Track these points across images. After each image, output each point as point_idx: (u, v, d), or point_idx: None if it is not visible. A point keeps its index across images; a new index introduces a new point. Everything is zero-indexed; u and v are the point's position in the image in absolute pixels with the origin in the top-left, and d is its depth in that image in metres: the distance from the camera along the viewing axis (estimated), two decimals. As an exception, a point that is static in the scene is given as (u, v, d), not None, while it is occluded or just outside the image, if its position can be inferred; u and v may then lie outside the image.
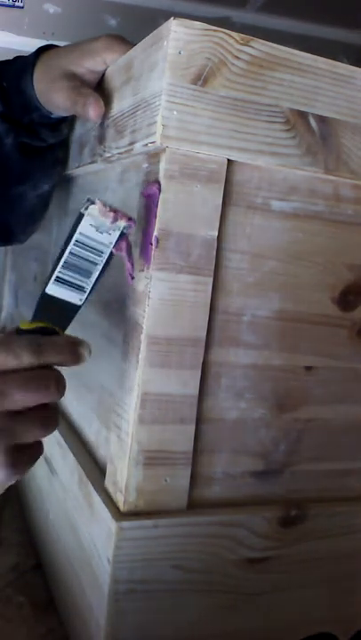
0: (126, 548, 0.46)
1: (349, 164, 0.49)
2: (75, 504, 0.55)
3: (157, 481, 0.47)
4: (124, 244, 0.47)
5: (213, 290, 0.47)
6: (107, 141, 0.53)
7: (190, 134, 0.43)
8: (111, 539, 0.45)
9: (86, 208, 0.44)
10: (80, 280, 0.45)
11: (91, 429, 0.58)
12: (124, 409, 0.47)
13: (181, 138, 0.43)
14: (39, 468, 0.69)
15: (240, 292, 0.49)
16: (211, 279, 0.46)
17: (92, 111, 0.52)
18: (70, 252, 0.44)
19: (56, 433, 0.59)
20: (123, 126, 0.49)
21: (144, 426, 0.46)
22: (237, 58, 0.44)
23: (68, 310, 0.45)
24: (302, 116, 0.47)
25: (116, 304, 0.52)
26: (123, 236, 0.46)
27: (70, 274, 0.44)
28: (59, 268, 0.44)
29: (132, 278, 0.47)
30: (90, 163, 0.58)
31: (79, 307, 0.45)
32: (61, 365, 0.42)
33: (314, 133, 0.47)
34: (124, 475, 0.46)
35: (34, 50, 0.60)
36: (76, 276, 0.44)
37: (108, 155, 0.53)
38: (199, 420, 0.48)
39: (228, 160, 0.46)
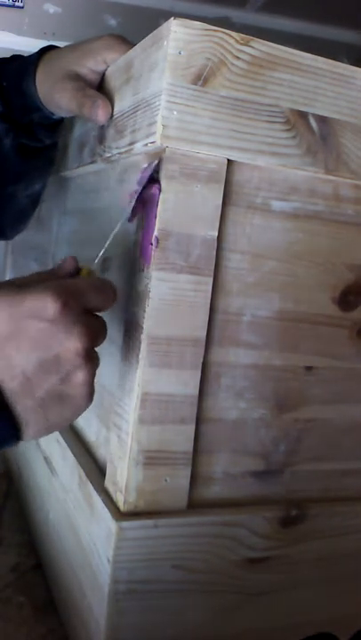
0: (126, 548, 0.46)
1: (349, 164, 0.49)
2: (75, 504, 0.55)
3: (157, 481, 0.47)
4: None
5: (213, 290, 0.47)
6: (107, 141, 0.53)
7: (190, 134, 0.43)
8: (111, 539, 0.45)
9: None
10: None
11: (91, 429, 0.58)
12: (124, 409, 0.47)
13: (181, 138, 0.43)
14: (39, 467, 0.69)
15: (240, 292, 0.49)
16: (211, 279, 0.46)
17: (101, 114, 0.52)
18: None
19: (56, 433, 0.59)
20: (123, 126, 0.49)
21: (144, 426, 0.46)
22: (237, 58, 0.44)
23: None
24: (302, 116, 0.47)
25: (115, 304, 0.52)
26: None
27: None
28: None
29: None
30: (90, 163, 0.58)
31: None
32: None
33: (314, 133, 0.47)
34: (124, 475, 0.46)
35: (34, 50, 0.60)
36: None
37: (108, 155, 0.53)
38: (199, 420, 0.48)
39: (228, 160, 0.46)
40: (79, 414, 0.42)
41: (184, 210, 0.45)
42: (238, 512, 0.50)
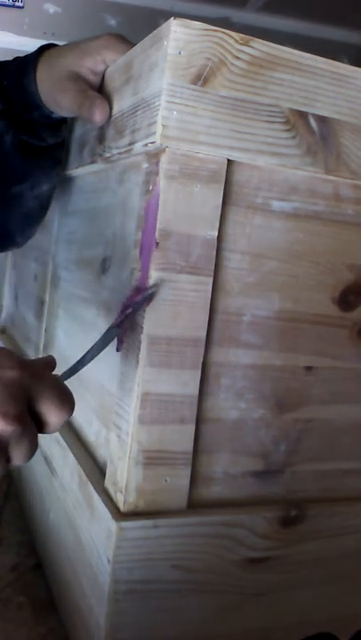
0: (126, 548, 0.46)
1: (349, 164, 0.49)
2: (75, 504, 0.55)
3: (157, 481, 0.47)
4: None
5: (213, 290, 0.47)
6: (107, 141, 0.53)
7: (190, 134, 0.43)
8: (111, 539, 0.45)
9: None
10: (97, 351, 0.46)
11: (91, 429, 0.58)
12: (124, 409, 0.47)
13: (181, 138, 0.43)
14: (39, 467, 0.69)
15: (240, 291, 0.49)
16: (211, 279, 0.46)
17: (98, 115, 0.52)
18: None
19: (56, 433, 0.59)
20: (123, 126, 0.49)
21: (144, 426, 0.46)
22: (237, 58, 0.44)
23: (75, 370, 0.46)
24: (302, 116, 0.47)
25: (116, 304, 0.52)
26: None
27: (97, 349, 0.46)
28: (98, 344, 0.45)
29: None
30: (90, 163, 0.58)
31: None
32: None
33: (314, 133, 0.47)
34: (124, 475, 0.46)
35: (33, 50, 0.60)
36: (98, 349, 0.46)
37: (108, 155, 0.53)
38: (199, 420, 0.48)
39: (228, 160, 0.46)
40: None
41: (184, 210, 0.45)
42: (238, 512, 0.50)
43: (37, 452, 0.63)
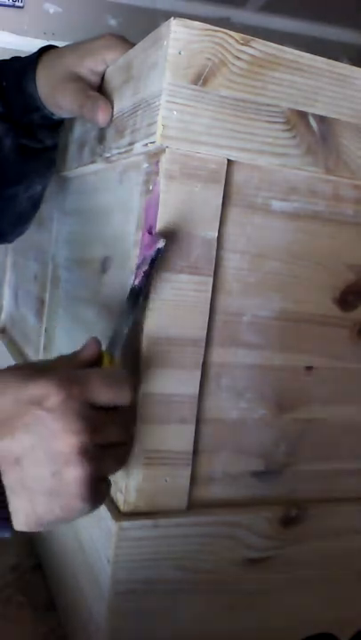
0: (126, 548, 0.46)
1: (349, 164, 0.49)
2: (75, 504, 0.55)
3: (157, 481, 0.47)
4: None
5: (213, 290, 0.47)
6: (107, 141, 0.53)
7: (190, 134, 0.43)
8: (111, 539, 0.45)
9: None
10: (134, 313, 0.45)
11: (91, 429, 0.58)
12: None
13: (181, 138, 0.43)
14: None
15: (240, 291, 0.49)
16: (211, 279, 0.46)
17: (102, 115, 0.52)
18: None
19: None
20: (123, 126, 0.49)
21: (144, 426, 0.46)
22: (238, 58, 0.44)
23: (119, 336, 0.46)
24: (302, 115, 0.47)
25: (116, 304, 0.52)
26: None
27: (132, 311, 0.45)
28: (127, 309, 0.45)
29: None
30: (90, 163, 0.58)
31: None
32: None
33: (314, 133, 0.47)
34: (124, 475, 0.46)
35: (34, 50, 0.60)
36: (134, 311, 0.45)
37: (108, 155, 0.53)
38: (199, 420, 0.48)
39: (228, 160, 0.46)
40: (75, 514, 0.39)
41: (184, 210, 0.45)
42: (238, 512, 0.50)
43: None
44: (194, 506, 0.49)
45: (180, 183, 0.45)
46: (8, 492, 0.38)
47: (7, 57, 0.63)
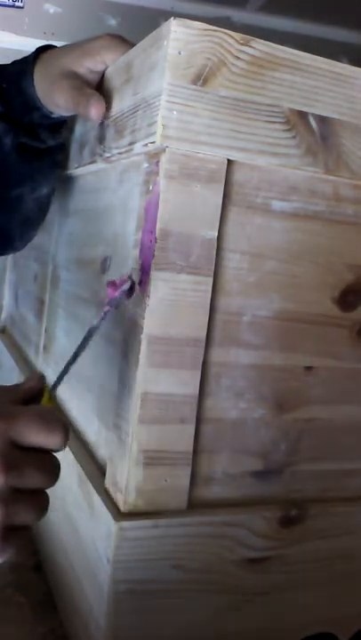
0: (126, 548, 0.46)
1: (349, 164, 0.49)
2: (75, 504, 0.55)
3: (157, 481, 0.47)
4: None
5: (213, 290, 0.47)
6: (107, 141, 0.53)
7: (190, 134, 0.43)
8: (111, 539, 0.45)
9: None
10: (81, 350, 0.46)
11: (91, 429, 0.58)
12: (124, 409, 0.47)
13: (181, 138, 0.43)
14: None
15: (240, 291, 0.49)
16: (211, 279, 0.46)
17: (94, 111, 0.52)
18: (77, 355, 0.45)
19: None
20: (123, 126, 0.49)
21: (144, 426, 0.46)
22: (237, 58, 0.44)
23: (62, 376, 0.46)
24: (302, 115, 0.47)
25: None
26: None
27: (80, 349, 0.46)
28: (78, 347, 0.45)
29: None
30: (90, 163, 0.58)
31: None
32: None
33: (314, 133, 0.47)
34: (124, 475, 0.46)
35: (34, 50, 0.60)
36: (82, 348, 0.46)
37: (108, 155, 0.53)
38: (199, 420, 0.48)
39: (228, 160, 0.46)
40: None
41: (184, 210, 0.45)
42: (238, 512, 0.50)
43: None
44: (194, 506, 0.49)
45: (180, 183, 0.45)
46: None
47: (7, 57, 0.63)
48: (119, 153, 0.50)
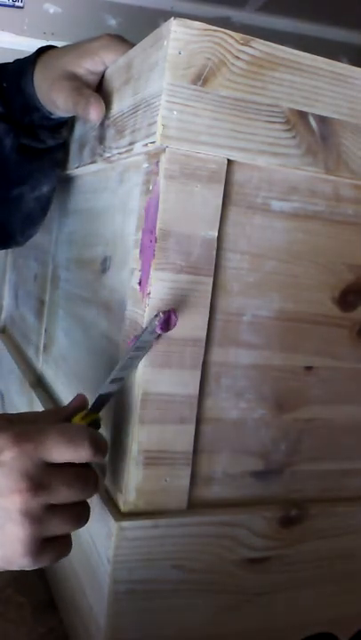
0: (126, 548, 0.46)
1: (349, 164, 0.49)
2: (75, 504, 0.55)
3: (157, 481, 0.47)
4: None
5: (213, 290, 0.47)
6: (107, 141, 0.53)
7: (190, 134, 0.43)
8: (111, 539, 0.45)
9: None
10: (124, 374, 0.46)
11: (91, 429, 0.58)
12: (123, 409, 0.47)
13: (181, 138, 0.43)
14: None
15: (240, 291, 0.49)
16: (211, 279, 0.46)
17: (93, 112, 0.52)
18: (129, 357, 0.44)
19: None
20: (123, 126, 0.49)
21: (144, 426, 0.46)
22: (237, 58, 0.44)
23: (106, 397, 0.46)
24: (302, 115, 0.47)
25: (116, 304, 0.52)
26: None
27: (122, 372, 0.45)
28: (116, 370, 0.45)
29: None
30: (90, 163, 0.58)
31: (116, 393, 0.46)
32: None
33: (314, 133, 0.47)
34: (124, 475, 0.46)
35: (34, 50, 0.60)
36: (124, 372, 0.45)
37: (108, 155, 0.53)
38: (199, 420, 0.48)
39: (228, 160, 0.46)
40: (15, 566, 0.40)
41: (184, 210, 0.45)
42: (238, 512, 0.50)
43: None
44: (194, 506, 0.49)
45: (180, 183, 0.45)
46: None
47: (7, 57, 0.63)
48: (119, 153, 0.50)
